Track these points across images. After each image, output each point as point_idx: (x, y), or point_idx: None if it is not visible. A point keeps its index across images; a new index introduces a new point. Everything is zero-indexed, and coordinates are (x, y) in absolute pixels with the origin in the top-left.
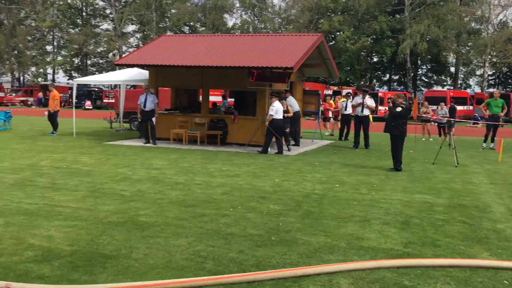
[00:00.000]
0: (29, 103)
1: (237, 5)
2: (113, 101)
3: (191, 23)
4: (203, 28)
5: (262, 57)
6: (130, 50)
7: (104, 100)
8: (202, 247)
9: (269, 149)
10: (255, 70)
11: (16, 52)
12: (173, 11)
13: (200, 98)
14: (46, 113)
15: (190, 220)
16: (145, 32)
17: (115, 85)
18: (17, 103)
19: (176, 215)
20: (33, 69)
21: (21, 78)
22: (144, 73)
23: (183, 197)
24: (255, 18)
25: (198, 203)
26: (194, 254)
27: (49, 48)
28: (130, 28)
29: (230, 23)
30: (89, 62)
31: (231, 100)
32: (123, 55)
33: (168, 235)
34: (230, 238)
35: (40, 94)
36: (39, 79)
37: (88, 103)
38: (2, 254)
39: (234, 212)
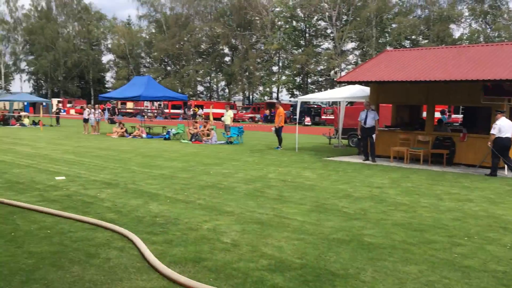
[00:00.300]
0: (256, 119)
1: (466, 14)
2: (331, 117)
3: (413, 37)
4: (426, 41)
5: (500, 68)
6: (349, 67)
7: (322, 117)
8: (436, 278)
9: (508, 172)
10: (490, 83)
11: (247, 73)
12: (393, 25)
13: (424, 115)
14: (273, 128)
15: (418, 245)
16: (364, 49)
17: (333, 102)
18: (246, 119)
19: (403, 239)
20: (261, 88)
21: (250, 96)
22: (365, 90)
23: (409, 220)
24: (487, 27)
25: (426, 227)
26: (427, 285)
27: (274, 68)
28: (349, 45)
29: (456, 34)
30: (309, 80)
31: (455, 116)
32: (342, 73)
33: (396, 259)
34: (468, 271)
35: (267, 111)
36: (265, 97)
37: (307, 120)
38: (240, 259)
39: (470, 242)
